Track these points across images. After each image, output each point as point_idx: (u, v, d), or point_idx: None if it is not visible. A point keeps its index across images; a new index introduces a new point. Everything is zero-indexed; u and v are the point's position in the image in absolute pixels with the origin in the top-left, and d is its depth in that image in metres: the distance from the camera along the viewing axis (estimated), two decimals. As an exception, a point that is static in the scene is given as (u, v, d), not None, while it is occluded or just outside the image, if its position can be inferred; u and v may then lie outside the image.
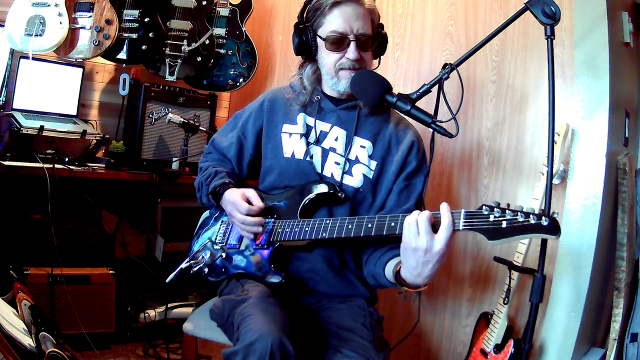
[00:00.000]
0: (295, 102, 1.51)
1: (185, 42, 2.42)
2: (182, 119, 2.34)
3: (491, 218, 1.02)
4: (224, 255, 1.48)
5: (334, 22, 1.36)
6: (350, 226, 1.24)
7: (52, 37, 2.14)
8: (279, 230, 1.38)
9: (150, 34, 2.35)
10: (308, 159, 1.44)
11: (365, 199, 1.43)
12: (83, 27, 2.23)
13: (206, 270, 1.50)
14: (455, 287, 2.08)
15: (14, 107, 2.24)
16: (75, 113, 2.41)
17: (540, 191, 1.62)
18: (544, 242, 1.21)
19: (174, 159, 2.45)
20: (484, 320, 1.83)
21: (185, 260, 1.56)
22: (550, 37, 1.18)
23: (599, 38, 1.56)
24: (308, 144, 1.46)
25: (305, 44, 1.42)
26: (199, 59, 2.49)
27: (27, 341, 1.45)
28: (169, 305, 2.45)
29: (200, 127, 2.41)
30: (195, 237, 1.64)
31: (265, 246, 1.40)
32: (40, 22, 2.13)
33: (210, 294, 1.57)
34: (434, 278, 1.13)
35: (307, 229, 1.32)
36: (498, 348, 1.65)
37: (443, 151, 2.11)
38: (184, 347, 2.22)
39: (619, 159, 1.69)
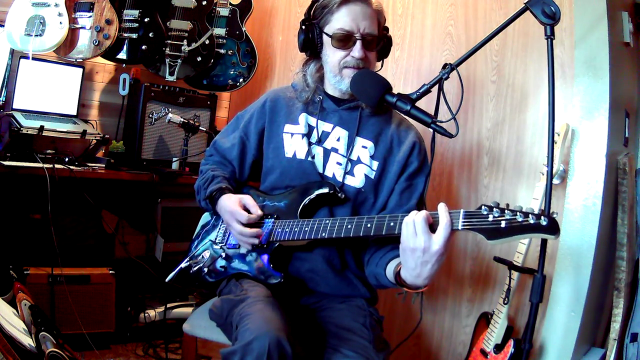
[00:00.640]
0: (298, 99, 1.51)
1: (185, 42, 2.42)
2: (182, 119, 2.34)
3: (490, 218, 1.02)
4: (223, 255, 1.48)
5: (341, 20, 1.37)
6: (349, 226, 1.24)
7: (52, 37, 2.14)
8: (279, 230, 1.38)
9: (150, 34, 2.35)
10: (310, 159, 1.44)
11: (367, 199, 1.43)
12: (83, 27, 2.23)
13: (206, 270, 1.50)
14: (455, 287, 2.08)
15: (14, 107, 2.24)
16: (75, 113, 2.41)
17: (540, 191, 1.62)
18: (544, 242, 1.21)
19: (174, 159, 2.45)
20: (484, 320, 1.83)
21: (185, 260, 1.56)
22: (550, 37, 1.18)
23: (599, 38, 1.56)
24: (310, 144, 1.46)
25: (310, 40, 1.43)
26: (199, 59, 2.49)
27: (27, 341, 1.45)
28: (169, 305, 2.45)
29: (200, 127, 2.41)
30: (195, 236, 1.64)
31: (265, 246, 1.40)
32: (40, 22, 2.13)
33: (210, 293, 1.57)
34: (434, 279, 1.13)
35: (306, 229, 1.32)
36: (498, 348, 1.65)
37: (443, 151, 2.11)
38: (183, 347, 2.22)
39: (619, 159, 1.69)
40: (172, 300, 2.50)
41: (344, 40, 1.37)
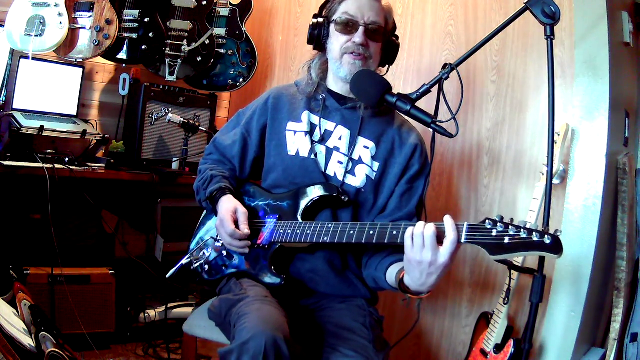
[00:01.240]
0: (301, 93, 1.52)
1: (185, 42, 2.42)
2: (182, 119, 2.34)
3: (494, 233, 1.01)
4: (224, 253, 1.48)
5: (347, 7, 1.41)
6: (352, 232, 1.24)
7: (52, 37, 2.14)
8: (281, 231, 1.38)
9: (150, 34, 2.35)
10: (312, 157, 1.44)
11: (367, 199, 1.42)
12: (83, 27, 2.23)
13: (207, 267, 1.50)
14: (455, 287, 2.08)
15: (14, 107, 2.24)
16: (75, 113, 2.41)
17: (540, 191, 1.62)
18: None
19: (174, 159, 2.45)
20: (484, 320, 1.83)
21: (187, 257, 1.56)
22: (550, 37, 1.18)
23: (599, 38, 1.56)
24: (313, 142, 1.46)
25: (318, 33, 1.46)
26: (199, 59, 2.49)
27: (27, 341, 1.45)
28: (169, 305, 2.45)
29: (200, 127, 2.40)
30: (197, 233, 1.64)
31: (267, 246, 1.40)
32: (40, 22, 2.13)
33: (210, 292, 1.56)
34: (438, 285, 1.13)
35: (308, 232, 1.31)
36: (498, 348, 1.65)
37: (443, 151, 2.11)
38: (183, 347, 2.22)
39: (619, 159, 1.69)
40: (172, 300, 2.50)
41: (348, 25, 1.40)
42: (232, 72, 2.65)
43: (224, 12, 2.59)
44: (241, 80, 2.66)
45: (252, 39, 2.66)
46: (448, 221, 1.07)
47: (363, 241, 1.21)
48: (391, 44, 1.49)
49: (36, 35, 2.12)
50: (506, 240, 1.00)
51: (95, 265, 2.27)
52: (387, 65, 1.53)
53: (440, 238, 1.08)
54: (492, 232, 1.01)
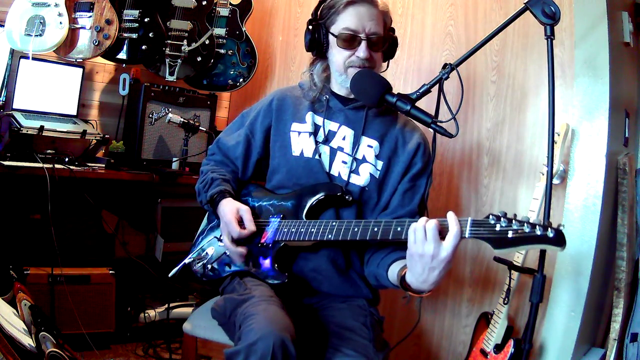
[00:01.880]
0: (305, 98, 1.52)
1: (185, 42, 2.42)
2: (182, 119, 2.34)
3: (497, 228, 1.02)
4: (228, 252, 1.48)
5: (346, 20, 1.38)
6: (356, 229, 1.24)
7: (52, 37, 2.14)
8: (285, 230, 1.38)
9: (150, 34, 2.35)
10: (317, 157, 1.45)
11: (370, 198, 1.43)
12: (83, 27, 2.23)
13: (209, 266, 1.50)
14: (456, 287, 2.08)
15: (14, 107, 2.24)
16: (75, 113, 2.41)
17: (540, 191, 1.62)
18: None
19: (174, 159, 2.45)
20: (484, 320, 1.83)
21: (189, 256, 1.56)
22: (550, 37, 1.18)
23: (599, 38, 1.56)
24: (317, 142, 1.46)
25: (317, 40, 1.44)
26: (199, 59, 2.49)
27: (27, 341, 1.45)
28: (170, 305, 2.45)
29: (200, 127, 2.40)
30: (200, 233, 1.64)
31: (270, 245, 1.40)
32: (40, 22, 2.13)
33: (211, 292, 1.56)
34: (439, 284, 1.13)
35: (312, 230, 1.32)
36: (498, 348, 1.65)
37: (443, 151, 2.11)
38: (184, 347, 2.22)
39: (619, 159, 1.69)
40: (172, 300, 2.50)
41: (350, 40, 1.38)
42: (232, 72, 2.65)
43: (224, 12, 2.59)
44: (241, 80, 2.66)
45: (252, 39, 2.66)
46: (451, 216, 1.07)
47: (367, 238, 1.21)
48: (390, 41, 1.48)
49: (36, 35, 2.12)
50: (510, 234, 1.00)
51: (95, 265, 2.27)
52: (387, 60, 1.52)
53: (442, 233, 1.08)
54: (495, 226, 1.02)
